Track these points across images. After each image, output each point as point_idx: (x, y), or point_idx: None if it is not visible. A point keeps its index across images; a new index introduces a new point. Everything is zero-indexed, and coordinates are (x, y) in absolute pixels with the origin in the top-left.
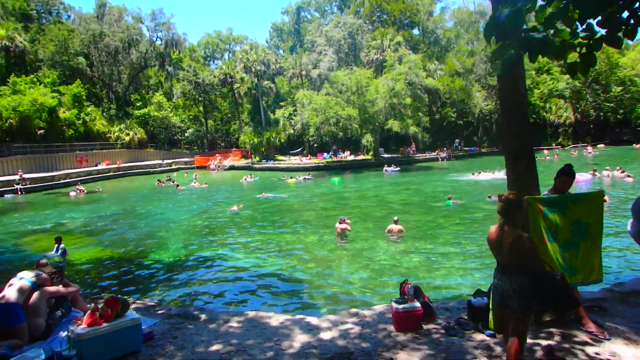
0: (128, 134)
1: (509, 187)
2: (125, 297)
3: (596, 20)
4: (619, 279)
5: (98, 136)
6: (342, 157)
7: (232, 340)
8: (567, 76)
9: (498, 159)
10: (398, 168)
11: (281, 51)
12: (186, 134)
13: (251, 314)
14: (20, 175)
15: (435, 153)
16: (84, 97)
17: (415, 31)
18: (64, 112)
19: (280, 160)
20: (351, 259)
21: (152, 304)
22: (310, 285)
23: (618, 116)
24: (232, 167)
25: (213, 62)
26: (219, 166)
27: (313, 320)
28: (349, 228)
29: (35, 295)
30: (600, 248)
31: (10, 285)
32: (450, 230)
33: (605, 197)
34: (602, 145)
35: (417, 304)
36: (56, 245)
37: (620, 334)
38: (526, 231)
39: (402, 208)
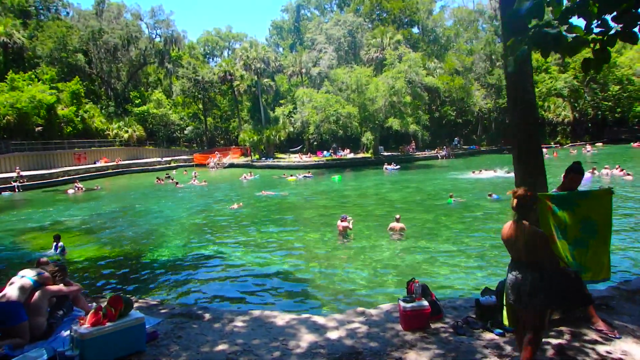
0: (127, 132)
1: (517, 185)
2: (128, 295)
3: (611, 15)
4: (624, 277)
5: (96, 133)
6: (341, 155)
7: (237, 340)
8: (566, 75)
9: (497, 157)
10: (398, 166)
11: (281, 49)
12: (185, 132)
13: (256, 313)
14: (18, 173)
15: (435, 151)
16: (83, 94)
17: (415, 29)
18: (62, 109)
19: (280, 158)
20: (353, 257)
21: (155, 303)
22: (313, 284)
23: (616, 115)
24: (231, 165)
25: (212, 59)
26: (218, 164)
27: (319, 319)
28: (350, 226)
29: (37, 294)
30: (609, 246)
31: (12, 283)
32: (452, 228)
33: None
34: (600, 144)
35: (425, 303)
36: (55, 243)
37: (630, 332)
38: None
39: (403, 206)
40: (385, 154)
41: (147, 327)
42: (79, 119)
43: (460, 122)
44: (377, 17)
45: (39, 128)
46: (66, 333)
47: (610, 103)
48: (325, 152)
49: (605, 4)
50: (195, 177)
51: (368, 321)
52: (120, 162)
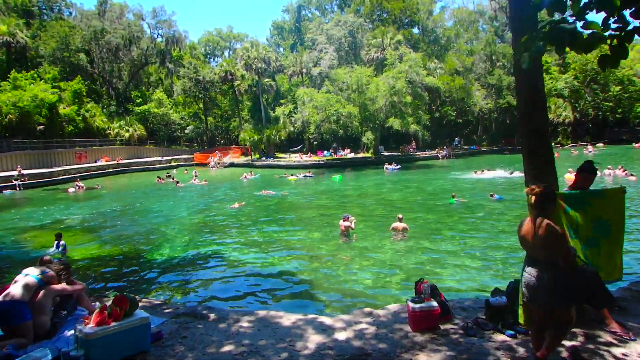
0: (128, 131)
1: (527, 183)
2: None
3: (630, 10)
4: (633, 279)
5: (98, 132)
6: (342, 155)
7: (244, 340)
8: (566, 75)
9: (498, 157)
10: (399, 166)
11: (281, 49)
12: (186, 131)
13: (262, 313)
14: (19, 171)
15: (436, 151)
16: (84, 94)
17: (415, 30)
18: (64, 108)
19: (280, 157)
20: (356, 257)
21: (159, 302)
22: (316, 284)
23: (617, 115)
24: (231, 164)
25: (213, 59)
26: (218, 163)
27: (326, 320)
28: (353, 226)
29: (42, 292)
30: (622, 246)
31: (16, 282)
32: (455, 228)
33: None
34: (601, 145)
35: (435, 303)
36: (56, 241)
37: None
38: None
39: (405, 206)
40: (386, 153)
41: (151, 327)
42: (80, 118)
43: (460, 122)
44: (378, 17)
45: (41, 127)
46: (70, 333)
47: (611, 103)
48: (325, 152)
49: None
50: (195, 176)
51: (376, 322)
52: (121, 161)
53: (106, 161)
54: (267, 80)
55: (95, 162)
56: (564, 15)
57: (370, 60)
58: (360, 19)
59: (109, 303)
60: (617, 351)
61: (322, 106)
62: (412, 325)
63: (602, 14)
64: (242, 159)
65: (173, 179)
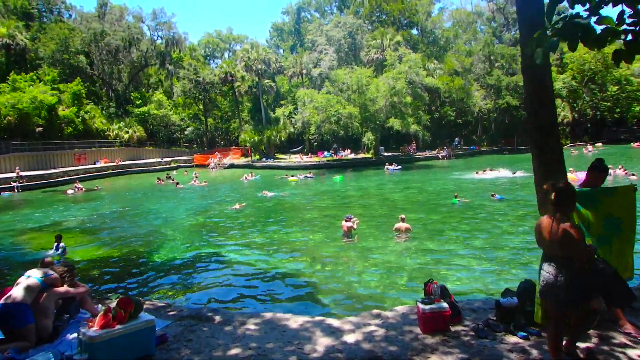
0: (127, 132)
1: (537, 181)
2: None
3: None
4: None
5: (97, 134)
6: (342, 156)
7: (251, 343)
8: (564, 75)
9: (498, 157)
10: (399, 166)
11: (281, 51)
12: (186, 132)
13: (268, 315)
14: (18, 173)
15: (436, 152)
16: (84, 95)
17: (414, 31)
18: (63, 110)
19: (281, 158)
20: (359, 258)
21: (162, 304)
22: (320, 285)
23: (615, 115)
24: (232, 166)
25: (213, 61)
26: (218, 164)
27: (334, 322)
28: (355, 227)
29: (45, 295)
30: (633, 245)
31: (18, 284)
32: (458, 228)
33: None
34: (600, 144)
35: (445, 305)
36: (56, 243)
37: None
38: None
39: (407, 207)
40: (386, 154)
41: (156, 329)
42: (79, 119)
43: (460, 123)
44: (377, 18)
45: (40, 128)
46: (72, 336)
47: (609, 103)
48: (325, 153)
49: None
50: (195, 177)
51: (385, 324)
52: (120, 163)
53: (105, 163)
54: (267, 81)
55: (95, 163)
56: (577, 11)
57: (370, 61)
58: (359, 21)
59: (113, 305)
60: (633, 353)
61: (322, 107)
62: (422, 327)
63: (616, 10)
64: (242, 160)
65: (173, 180)
